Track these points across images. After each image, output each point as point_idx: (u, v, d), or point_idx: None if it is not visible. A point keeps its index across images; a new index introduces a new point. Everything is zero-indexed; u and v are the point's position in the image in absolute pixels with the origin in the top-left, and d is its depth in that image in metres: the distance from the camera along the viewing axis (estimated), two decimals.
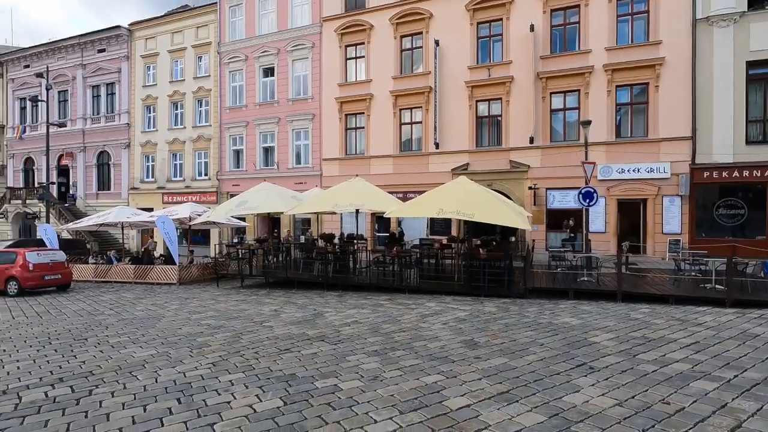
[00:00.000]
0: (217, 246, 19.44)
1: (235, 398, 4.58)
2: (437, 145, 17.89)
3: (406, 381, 4.91)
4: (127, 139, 25.57)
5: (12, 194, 26.29)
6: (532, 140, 16.41)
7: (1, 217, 26.31)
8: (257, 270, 14.39)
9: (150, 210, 22.16)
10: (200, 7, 23.64)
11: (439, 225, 17.97)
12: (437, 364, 5.48)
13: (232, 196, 22.19)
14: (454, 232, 16.78)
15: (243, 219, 19.37)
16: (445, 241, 14.24)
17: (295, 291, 12.32)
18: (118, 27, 25.24)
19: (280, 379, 5.10)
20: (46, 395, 4.85)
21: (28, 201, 25.53)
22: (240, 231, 21.98)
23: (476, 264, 10.92)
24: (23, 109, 28.60)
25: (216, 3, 22.95)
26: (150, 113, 25.18)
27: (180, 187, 24.10)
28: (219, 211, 13.88)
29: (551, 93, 16.49)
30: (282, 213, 15.02)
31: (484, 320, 8.05)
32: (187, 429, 3.90)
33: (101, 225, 18.50)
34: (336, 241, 14.82)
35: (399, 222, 17.93)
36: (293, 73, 21.25)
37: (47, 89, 22.28)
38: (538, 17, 16.37)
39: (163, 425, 3.99)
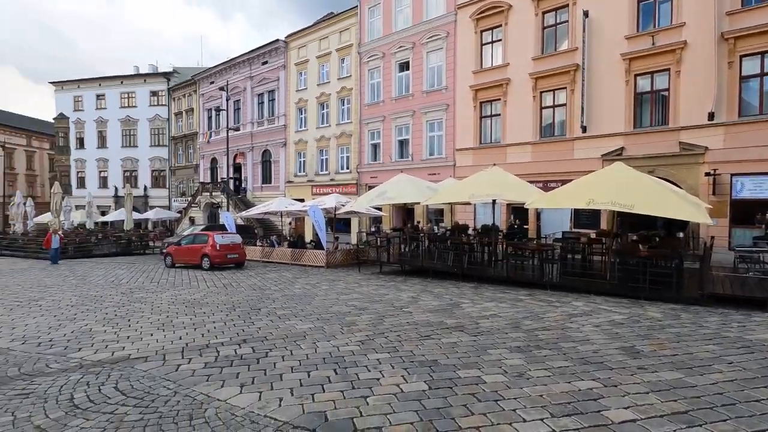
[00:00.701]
0: (357, 234, 20.98)
1: (383, 376, 4.91)
2: (584, 129, 16.14)
3: (556, 383, 4.61)
4: (284, 139, 29.27)
5: (203, 188, 32.51)
6: (711, 116, 13.59)
7: (196, 206, 32.79)
8: (394, 258, 15.11)
9: (301, 200, 25.08)
10: (343, 12, 25.51)
11: (585, 217, 16.28)
12: (591, 370, 5.01)
13: (370, 187, 23.69)
14: (603, 226, 15.00)
15: (380, 209, 20.49)
16: (593, 235, 12.85)
17: (430, 280, 12.59)
18: (276, 41, 28.92)
19: (423, 364, 5.28)
20: (235, 352, 5.91)
21: (213, 193, 31.26)
22: (377, 220, 23.33)
23: (634, 262, 9.61)
24: (210, 118, 34.98)
25: (356, 6, 24.50)
26: (302, 114, 28.33)
27: (326, 179, 26.65)
28: (361, 202, 14.93)
29: (742, 56, 13.34)
30: (418, 203, 15.44)
31: (647, 327, 7.05)
32: (344, 397, 4.33)
33: (265, 213, 21.69)
34: (470, 232, 14.64)
35: (513, 216, 16.80)
36: (427, 65, 21.49)
37: (227, 100, 26.79)
38: None
39: (324, 391, 4.51)
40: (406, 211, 20.63)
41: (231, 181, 29.92)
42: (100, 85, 40.84)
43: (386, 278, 13.36)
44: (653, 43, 14.73)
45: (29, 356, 5.90)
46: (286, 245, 19.49)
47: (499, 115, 18.88)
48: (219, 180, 32.49)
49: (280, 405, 4.17)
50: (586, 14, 15.79)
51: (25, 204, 27.93)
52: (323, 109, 26.96)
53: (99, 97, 40.85)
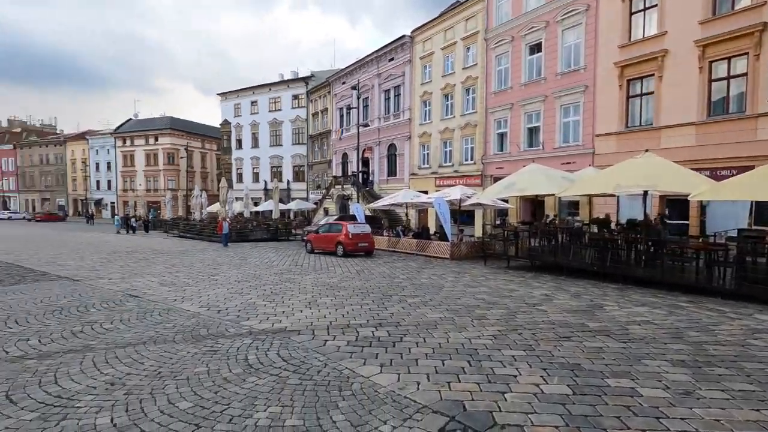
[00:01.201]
0: (482, 226, 20.50)
1: (520, 374, 4.75)
2: None
3: (737, 408, 3.89)
4: (408, 132, 30.00)
5: (335, 181, 35.32)
6: None
7: (329, 198, 35.83)
8: (522, 252, 14.38)
9: (425, 192, 25.45)
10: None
11: None
12: None
13: (496, 178, 22.87)
14: None
15: (506, 201, 19.66)
16: None
17: (564, 278, 11.68)
18: (403, 37, 29.64)
19: (564, 367, 4.96)
20: (373, 334, 6.35)
21: (344, 186, 33.74)
22: (503, 213, 22.44)
23: None
24: (341, 116, 37.71)
25: None
26: (426, 107, 28.64)
27: (449, 171, 26.56)
28: (487, 193, 14.53)
29: None
30: (551, 195, 14.38)
31: None
32: (480, 390, 4.32)
33: (391, 205, 22.61)
34: (614, 227, 13.14)
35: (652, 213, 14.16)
36: (563, 44, 19.70)
37: (357, 98, 28.50)
38: None
39: (459, 381, 4.56)
40: (535, 203, 19.35)
41: (360, 175, 31.83)
42: (253, 93, 47.22)
43: (514, 273, 12.81)
44: None
45: (212, 320, 7.22)
46: (411, 236, 20.06)
47: (652, 93, 16.36)
48: (349, 174, 34.89)
49: (418, 388, 4.36)
50: None
51: (200, 196, 34.02)
52: (447, 101, 26.82)
53: (253, 103, 47.30)
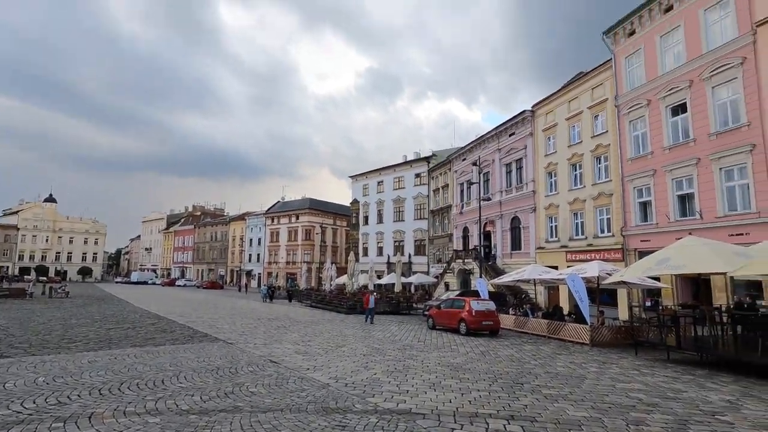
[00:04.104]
0: (628, 308, 17.82)
1: None
2: None
3: None
4: (533, 204, 28.84)
5: (456, 255, 35.04)
6: None
7: (450, 272, 35.41)
8: (686, 342, 11.89)
9: (555, 268, 23.45)
10: (594, 69, 24.28)
11: None
12: None
13: (640, 252, 20.09)
14: None
15: (657, 279, 16.94)
16: None
17: (753, 380, 9.20)
18: (523, 112, 29.86)
19: None
20: (505, 428, 5.73)
21: (465, 260, 33.18)
22: (653, 293, 19.27)
23: None
24: (462, 191, 38.34)
25: (610, 60, 22.93)
26: (551, 178, 27.48)
27: (582, 245, 24.29)
28: (634, 270, 12.75)
29: None
30: (720, 273, 11.97)
31: None
32: None
33: (517, 281, 21.29)
34: None
35: None
36: (714, 101, 17.52)
37: (479, 173, 28.87)
38: None
39: None
40: (698, 282, 16.24)
41: (481, 249, 31.12)
42: (380, 174, 51.48)
43: (678, 368, 10.57)
44: None
45: (340, 393, 7.39)
46: (540, 315, 18.35)
47: None
48: (471, 248, 34.37)
49: None
50: None
51: (330, 269, 36.86)
52: (575, 171, 25.40)
53: (379, 183, 51.36)
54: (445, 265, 37.03)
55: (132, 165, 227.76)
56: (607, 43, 23.13)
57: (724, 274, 11.74)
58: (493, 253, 33.17)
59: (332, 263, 41.12)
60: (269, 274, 66.90)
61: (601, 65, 23.76)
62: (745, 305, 12.76)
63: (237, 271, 74.02)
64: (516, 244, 30.81)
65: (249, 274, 71.28)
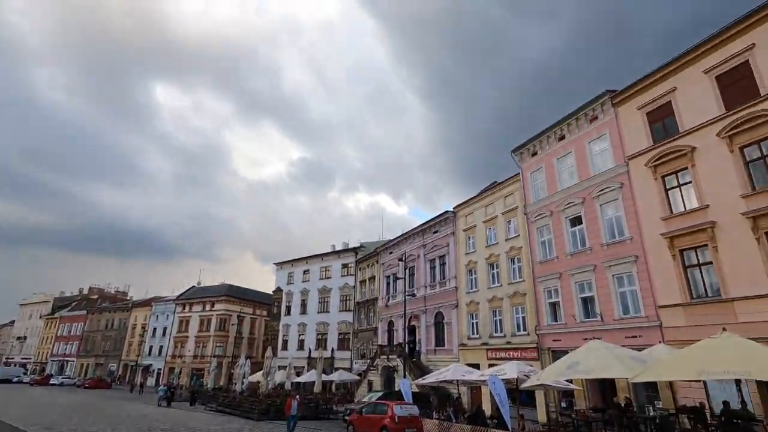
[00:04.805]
0: (545, 409, 18.02)
1: None
2: None
3: None
4: (455, 301, 29.68)
5: (380, 351, 33.96)
6: None
7: (374, 370, 33.90)
8: None
9: (476, 366, 23.56)
10: (506, 180, 27.40)
11: None
12: None
13: (553, 351, 21.08)
14: None
15: (570, 381, 17.61)
16: None
17: None
18: (446, 212, 32.14)
19: None
20: None
21: (390, 356, 32.20)
22: (568, 394, 19.88)
23: None
24: (388, 284, 38.60)
25: (519, 173, 26.16)
26: (472, 275, 28.88)
27: (501, 342, 24.97)
28: (548, 374, 13.18)
29: None
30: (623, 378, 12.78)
31: None
32: None
33: (441, 381, 20.86)
34: (711, 420, 11.14)
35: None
36: (603, 217, 20.37)
37: (405, 268, 29.50)
38: None
39: None
40: (606, 383, 17.19)
41: (406, 345, 30.62)
42: (306, 262, 50.49)
43: None
44: None
45: None
46: (464, 419, 17.81)
47: (711, 263, 15.73)
48: (396, 343, 33.67)
49: None
50: None
51: (244, 365, 33.42)
52: (493, 269, 27.07)
53: (305, 272, 50.10)
54: (369, 361, 35.53)
55: (20, 238, 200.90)
56: (515, 160, 26.55)
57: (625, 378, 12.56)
58: (417, 349, 32.71)
59: (247, 358, 37.47)
60: (171, 370, 58.86)
61: (511, 177, 26.92)
62: (623, 405, 13.70)
63: (132, 366, 64.16)
64: (440, 340, 30.83)
65: (146, 370, 62.07)
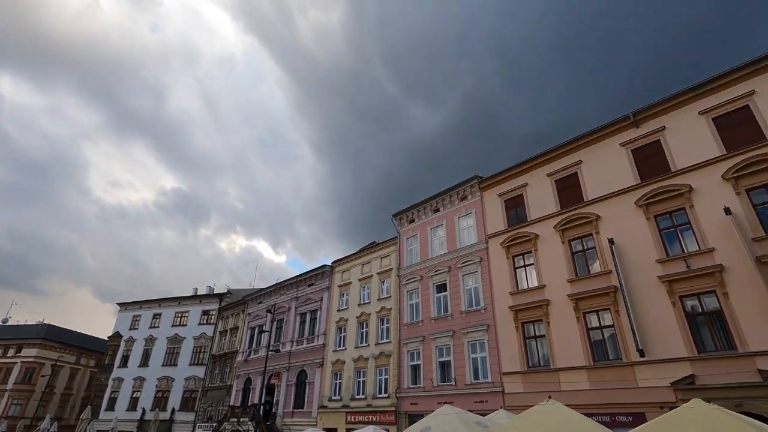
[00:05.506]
0: None
1: None
2: (641, 353, 14.94)
3: None
4: (321, 358, 28.70)
5: (231, 412, 30.45)
6: None
7: None
8: None
9: (334, 430, 22.59)
10: (384, 242, 28.68)
11: None
12: None
13: (410, 415, 21.42)
14: None
15: None
16: None
17: None
18: (324, 266, 31.90)
19: None
20: None
21: (241, 419, 29.02)
22: None
23: None
24: (252, 336, 35.75)
25: (396, 237, 27.66)
26: (341, 333, 28.53)
27: (362, 405, 24.56)
28: None
29: None
30: None
31: None
32: None
33: None
34: None
35: None
36: (464, 286, 22.38)
37: (272, 321, 27.85)
38: (731, 200, 14.70)
39: None
40: None
41: (261, 406, 28.09)
42: (159, 305, 44.35)
43: None
44: (688, 267, 14.99)
45: None
46: None
47: (544, 336, 18.21)
48: (250, 404, 30.66)
49: None
50: (611, 241, 16.87)
51: (50, 428, 26.70)
52: (363, 328, 27.19)
53: (155, 316, 43.79)
54: (215, 424, 31.45)
55: None
56: (394, 224, 28.14)
57: None
58: (274, 410, 30.23)
59: (55, 420, 30.17)
60: None
61: (389, 240, 28.27)
62: None
63: None
64: (299, 401, 29.06)
65: None
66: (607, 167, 18.56)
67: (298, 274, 33.86)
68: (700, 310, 14.62)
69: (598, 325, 16.90)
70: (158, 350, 41.45)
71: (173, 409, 37.35)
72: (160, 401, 37.87)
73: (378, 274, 27.86)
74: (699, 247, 15.03)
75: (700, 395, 12.58)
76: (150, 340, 42.31)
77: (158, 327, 42.82)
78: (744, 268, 13.72)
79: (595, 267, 17.68)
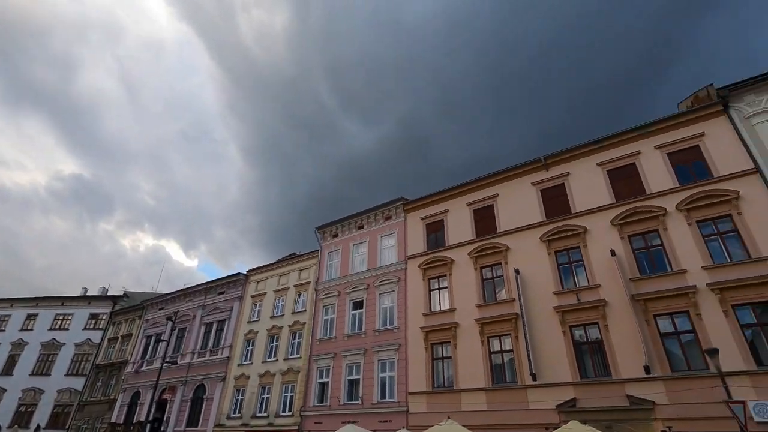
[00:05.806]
0: None
1: None
2: (534, 377, 16.17)
3: None
4: (224, 372, 26.90)
5: (112, 430, 27.15)
6: (648, 370, 14.26)
7: None
8: None
9: None
10: (305, 254, 28.06)
11: None
12: None
13: None
14: None
15: None
16: None
17: None
18: (238, 274, 30.26)
19: None
20: None
21: None
22: None
23: None
24: (147, 346, 32.48)
25: (318, 250, 27.23)
26: (249, 346, 27.07)
27: (263, 424, 23.34)
28: None
29: (655, 315, 15.17)
30: None
31: None
32: None
33: None
34: None
35: None
36: (380, 305, 22.58)
37: (172, 330, 25.62)
38: (616, 243, 16.75)
39: None
40: None
41: (148, 424, 25.41)
42: (36, 304, 38.67)
43: None
44: (578, 300, 16.68)
45: None
46: None
47: (450, 358, 18.92)
48: (135, 421, 27.63)
49: None
50: (517, 272, 18.23)
51: None
52: (273, 342, 26.10)
53: (30, 317, 38.06)
54: None
55: None
56: (317, 237, 27.74)
57: None
58: (163, 429, 27.52)
59: None
60: None
61: (310, 252, 27.75)
62: None
63: None
64: (194, 419, 26.85)
65: None
66: (519, 203, 20.18)
67: (209, 280, 31.75)
68: (585, 340, 16.26)
69: (499, 349, 17.99)
70: (28, 357, 35.89)
71: (38, 426, 32.34)
72: (22, 417, 32.63)
73: (295, 286, 27.10)
74: (588, 283, 16.83)
75: (578, 417, 14.01)
76: (18, 345, 36.52)
77: (32, 330, 37.18)
78: (622, 303, 15.60)
79: (502, 294, 18.91)
